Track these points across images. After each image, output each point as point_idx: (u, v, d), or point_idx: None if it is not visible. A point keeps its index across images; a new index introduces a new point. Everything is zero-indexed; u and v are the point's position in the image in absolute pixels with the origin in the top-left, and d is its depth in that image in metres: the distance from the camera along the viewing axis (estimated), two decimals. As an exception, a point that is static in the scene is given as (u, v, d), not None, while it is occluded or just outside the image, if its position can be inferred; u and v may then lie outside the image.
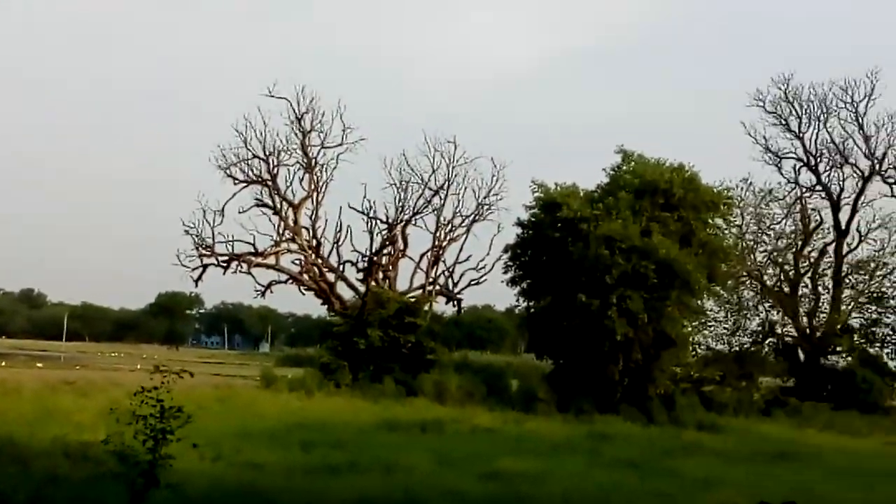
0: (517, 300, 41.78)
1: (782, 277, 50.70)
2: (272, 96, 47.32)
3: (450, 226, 49.57)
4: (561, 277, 37.06)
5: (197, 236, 47.09)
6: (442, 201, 49.37)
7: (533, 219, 39.98)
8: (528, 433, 28.01)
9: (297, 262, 47.79)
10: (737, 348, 49.04)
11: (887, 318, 49.79)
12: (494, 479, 17.48)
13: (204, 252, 47.19)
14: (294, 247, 47.76)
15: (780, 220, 50.99)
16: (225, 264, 47.32)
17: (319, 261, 48.06)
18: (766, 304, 50.50)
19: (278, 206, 47.79)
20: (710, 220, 39.84)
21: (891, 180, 49.43)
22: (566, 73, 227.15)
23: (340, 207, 48.59)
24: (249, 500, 13.99)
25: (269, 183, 47.67)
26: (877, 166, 49.58)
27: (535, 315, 40.14)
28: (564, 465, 20.37)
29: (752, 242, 50.46)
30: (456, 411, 32.47)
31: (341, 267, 48.26)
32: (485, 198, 49.48)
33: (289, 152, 48.07)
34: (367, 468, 17.83)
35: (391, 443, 22.71)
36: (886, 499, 18.14)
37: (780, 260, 50.74)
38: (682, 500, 16.45)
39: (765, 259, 50.93)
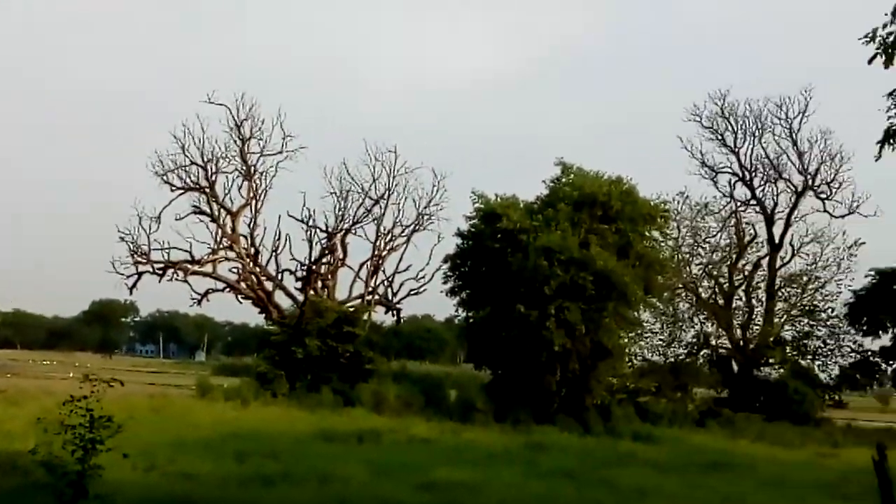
0: (456, 310, 41.98)
1: (717, 290, 51.48)
2: (211, 103, 47.01)
3: (390, 235, 49.69)
4: (500, 288, 37.18)
5: (132, 243, 46.49)
6: (382, 211, 49.48)
7: (473, 229, 40.08)
8: (466, 443, 28.00)
9: (235, 270, 47.40)
10: (672, 359, 49.74)
11: (819, 330, 50.83)
12: (430, 489, 17.43)
13: (139, 259, 46.58)
14: (232, 255, 47.34)
15: (715, 233, 51.88)
16: (161, 272, 46.71)
17: (257, 269, 47.68)
18: (701, 316, 51.31)
19: (216, 213, 47.36)
20: (647, 233, 40.23)
21: (823, 196, 50.56)
22: (508, 87, 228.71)
23: (279, 216, 48.40)
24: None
25: (207, 190, 47.22)
26: (809, 182, 50.66)
27: (474, 325, 40.17)
28: (501, 475, 20.35)
29: (687, 255, 51.19)
30: (393, 421, 32.34)
31: (280, 275, 47.99)
32: (425, 208, 49.71)
33: (227, 159, 47.84)
34: (302, 479, 17.65)
35: (327, 453, 22.53)
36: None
37: (715, 273, 51.52)
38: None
39: (700, 272, 51.72)
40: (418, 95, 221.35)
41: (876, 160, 12.71)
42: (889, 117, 12.27)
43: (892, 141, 12.15)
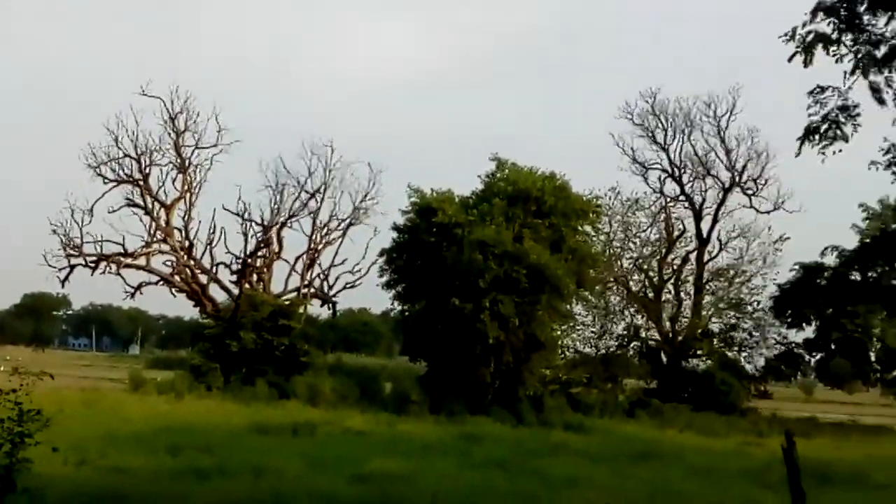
0: (392, 303, 42.14)
1: (647, 283, 52.22)
2: (145, 95, 46.43)
3: (326, 229, 49.65)
4: (435, 281, 37.44)
5: (64, 236, 45.81)
6: (318, 204, 49.44)
7: (408, 223, 40.29)
8: (400, 435, 28.17)
9: (169, 263, 46.96)
10: (603, 351, 50.41)
11: (745, 323, 51.85)
12: (365, 481, 17.57)
13: (71, 252, 45.94)
14: (166, 248, 46.91)
15: (645, 228, 52.63)
16: (93, 265, 46.10)
17: (192, 262, 47.27)
18: (632, 309, 52.01)
19: (150, 206, 46.85)
20: (579, 228, 40.81)
21: (749, 192, 51.57)
22: (444, 83, 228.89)
23: (214, 209, 48.09)
24: (112, 505, 13.74)
25: (141, 183, 46.66)
26: (737, 178, 51.70)
27: (409, 318, 40.42)
28: (435, 466, 20.56)
29: (619, 249, 51.87)
30: (329, 414, 32.41)
31: (214, 269, 47.69)
32: (361, 202, 49.78)
33: (162, 152, 47.30)
34: (236, 472, 17.67)
35: (261, 446, 22.51)
36: (742, 497, 18.90)
37: (646, 266, 52.26)
38: (547, 500, 16.86)
39: (631, 265, 52.38)
40: (355, 90, 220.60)
41: (796, 156, 13.21)
42: (809, 115, 12.75)
43: (811, 138, 12.63)
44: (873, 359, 47.84)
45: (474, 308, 35.65)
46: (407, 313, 40.84)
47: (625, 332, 51.69)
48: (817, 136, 12.71)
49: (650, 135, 52.84)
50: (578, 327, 48.70)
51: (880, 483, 22.35)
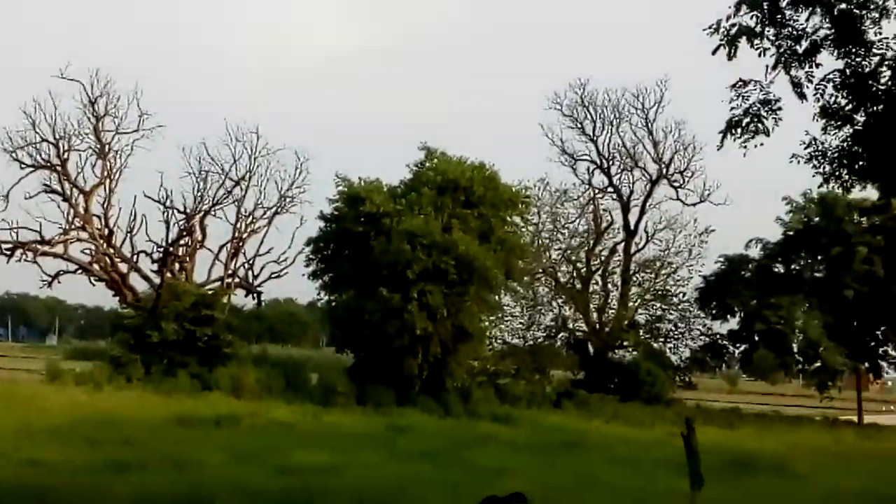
0: (319, 294, 41.74)
1: (575, 275, 52.49)
2: (64, 78, 45.09)
3: (251, 217, 48.76)
4: (363, 272, 37.16)
5: (-23, 222, 44.28)
6: (243, 192, 48.50)
7: (336, 213, 39.91)
8: (326, 426, 27.98)
9: (88, 251, 45.63)
10: (531, 342, 50.62)
11: (671, 314, 52.49)
12: (288, 473, 17.35)
13: (-15, 239, 44.43)
14: (84, 235, 45.60)
15: (574, 219, 52.73)
16: (9, 252, 44.64)
17: (111, 250, 46.09)
18: (560, 300, 52.25)
19: (68, 192, 45.47)
20: (508, 218, 40.85)
21: (676, 184, 52.07)
22: (373, 72, 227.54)
23: (135, 196, 46.76)
24: (28, 499, 13.30)
25: (59, 168, 45.30)
26: (664, 171, 52.11)
27: (336, 309, 40.08)
28: (361, 457, 20.45)
29: (547, 240, 51.99)
30: (253, 405, 31.98)
31: (135, 257, 46.50)
32: (287, 190, 48.96)
33: (81, 137, 45.87)
34: (157, 465, 17.31)
35: (183, 438, 22.13)
36: (664, 486, 19.07)
37: (574, 258, 52.50)
38: (473, 489, 16.78)
39: (559, 256, 52.59)
40: (281, 77, 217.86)
41: (718, 149, 13.25)
42: (731, 108, 12.78)
43: (733, 131, 12.67)
44: (795, 350, 48.66)
45: (402, 299, 35.47)
46: (334, 304, 40.49)
47: (553, 324, 51.93)
48: (739, 130, 12.75)
49: (579, 126, 53.03)
50: (506, 318, 48.85)
51: (800, 473, 22.81)
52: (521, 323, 50.92)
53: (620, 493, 17.49)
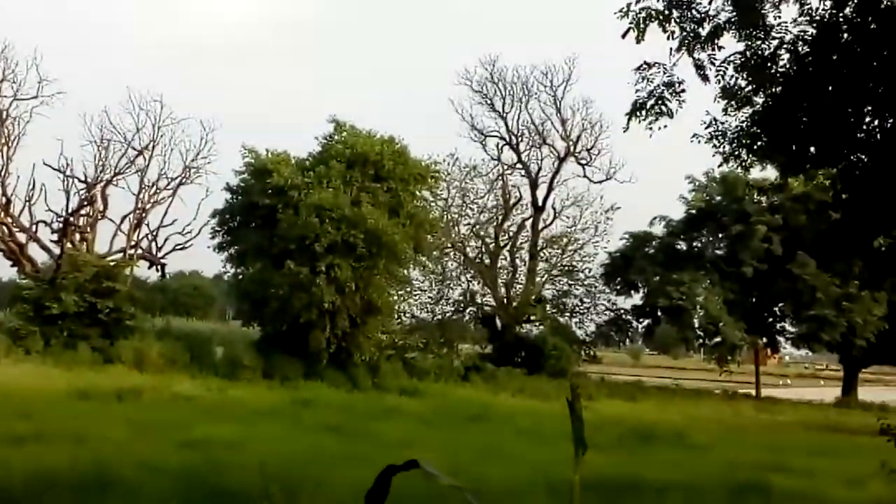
0: (225, 266, 41.18)
1: (483, 250, 52.95)
2: (-43, 43, 43.40)
3: (154, 188, 47.69)
4: (270, 245, 36.80)
5: None
6: (146, 162, 47.40)
7: (242, 185, 39.39)
8: (231, 400, 27.65)
9: (-16, 221, 44.22)
10: (440, 317, 50.97)
11: (577, 290, 53.50)
12: (191, 447, 17.08)
13: None
14: (-20, 204, 44.17)
15: (483, 195, 53.17)
16: None
17: (9, 220, 44.64)
18: (468, 275, 52.71)
19: (-37, 160, 43.95)
20: (417, 193, 40.78)
21: (583, 162, 52.86)
22: (282, 42, 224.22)
23: (34, 164, 45.34)
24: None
25: (-47, 135, 43.75)
26: (571, 148, 52.78)
27: (243, 282, 39.60)
28: (265, 431, 20.28)
29: (456, 215, 52.32)
30: (156, 379, 31.39)
31: (34, 227, 45.12)
32: (192, 161, 47.98)
33: (-25, 104, 44.28)
34: (56, 438, 16.86)
35: (84, 412, 21.59)
36: (567, 456, 19.35)
37: (482, 233, 52.95)
38: (378, 461, 16.78)
39: (468, 232, 52.96)
40: (187, 45, 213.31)
41: (624, 131, 13.47)
42: (636, 90, 13.00)
43: (638, 113, 12.89)
44: (696, 325, 49.95)
45: (310, 272, 35.22)
46: (240, 277, 40.01)
47: (461, 298, 52.35)
48: (644, 112, 12.98)
49: (489, 102, 53.40)
50: (415, 293, 48.97)
51: (698, 443, 23.46)
52: (429, 297, 51.29)
53: (522, 462, 17.72)
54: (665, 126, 13.09)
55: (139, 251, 47.22)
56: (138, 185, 47.17)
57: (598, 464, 18.48)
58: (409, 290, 45.64)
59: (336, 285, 35.54)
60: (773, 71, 13.07)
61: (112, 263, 44.21)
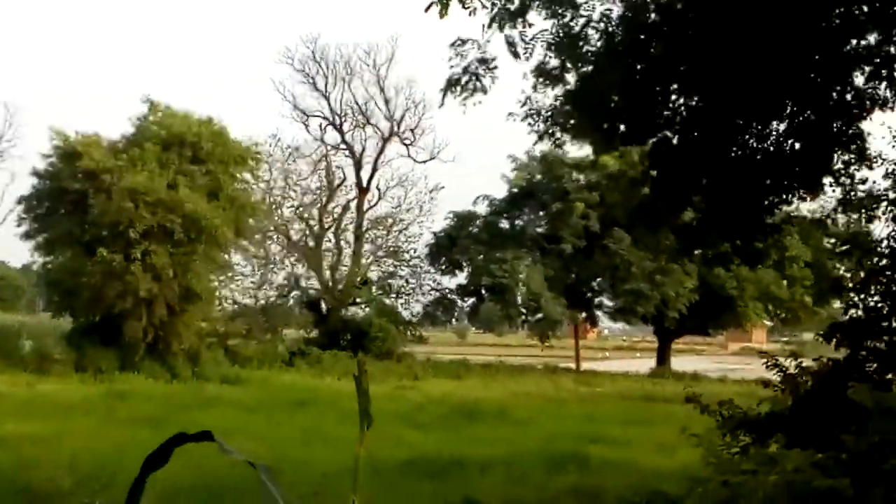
0: (33, 256, 39.15)
1: (308, 232, 52.36)
2: None
3: (-49, 173, 44.92)
4: (81, 232, 35.19)
5: None
6: (-56, 148, 44.53)
7: (51, 169, 37.46)
8: (41, 396, 26.29)
9: None
10: (263, 302, 50.09)
11: (402, 270, 53.66)
12: (-1, 445, 16.17)
13: None
14: None
15: (306, 176, 52.51)
16: None
17: None
18: (292, 259, 52.03)
19: None
20: (238, 175, 39.92)
21: (407, 142, 52.95)
22: (89, 19, 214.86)
23: None
24: None
25: None
26: (395, 128, 52.78)
27: (52, 271, 37.77)
28: (77, 426, 19.40)
29: (279, 198, 51.49)
30: (-44, 376, 29.59)
31: None
32: (-6, 144, 45.37)
33: None
34: None
35: None
36: (392, 437, 19.36)
37: (306, 215, 52.34)
38: (195, 452, 16.24)
39: (291, 214, 52.31)
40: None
41: (440, 107, 13.42)
42: (451, 67, 12.94)
43: (453, 89, 12.85)
44: (519, 302, 50.96)
45: (124, 259, 33.86)
46: (49, 266, 38.12)
47: (285, 282, 51.67)
48: (458, 88, 12.95)
49: (311, 81, 52.66)
50: (237, 278, 47.86)
51: (520, 418, 23.94)
52: (252, 282, 50.23)
53: (346, 444, 17.55)
54: (480, 102, 13.10)
55: (-63, 241, 44.35)
56: (-65, 170, 44.25)
57: (422, 443, 18.69)
58: (230, 275, 44.64)
59: (152, 272, 34.29)
60: (583, 50, 13.25)
61: None
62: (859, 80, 13.13)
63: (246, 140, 40.63)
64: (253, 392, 29.33)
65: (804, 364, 11.28)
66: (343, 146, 53.26)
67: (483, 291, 51.71)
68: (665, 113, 13.96)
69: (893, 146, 13.64)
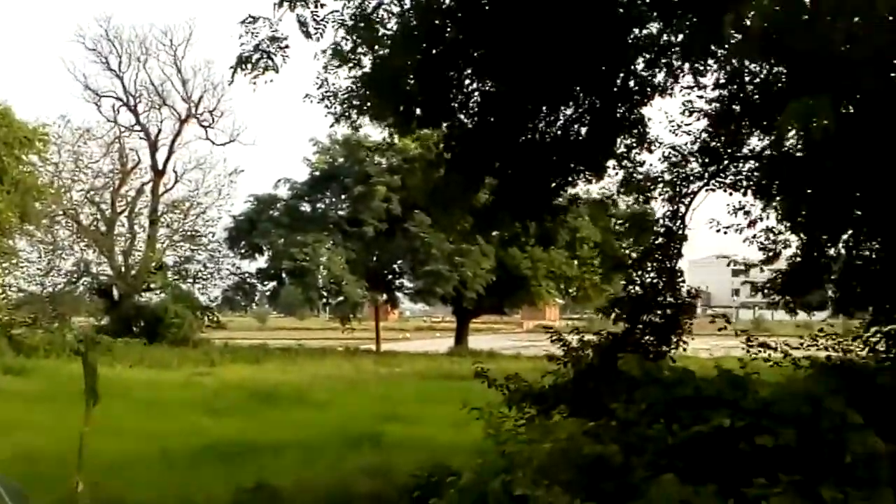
0: None
1: (99, 217, 50.57)
2: None
3: None
4: None
5: None
6: None
7: None
8: None
9: None
10: (50, 289, 47.90)
11: (199, 255, 52.53)
12: None
13: None
14: None
15: (98, 158, 50.67)
16: None
17: None
18: (82, 244, 50.05)
19: None
20: (24, 157, 38.57)
21: (206, 124, 51.89)
22: None
23: None
24: None
25: None
26: (193, 109, 51.63)
27: None
28: None
29: (69, 181, 49.43)
30: None
31: None
32: None
33: None
34: None
35: None
36: (187, 425, 19.01)
37: (98, 199, 50.54)
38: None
39: (82, 198, 50.33)
40: None
41: (230, 84, 13.23)
42: (242, 44, 12.73)
43: (244, 66, 12.64)
44: (320, 285, 50.82)
45: None
46: None
47: (74, 269, 49.62)
48: (249, 66, 12.76)
49: (104, 61, 50.75)
50: (22, 264, 45.64)
51: (318, 401, 23.96)
52: (38, 269, 48.07)
53: (137, 434, 17.14)
54: (272, 81, 12.93)
55: None
56: None
57: (217, 429, 18.40)
58: (14, 262, 42.63)
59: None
60: (378, 33, 13.30)
61: None
62: (641, 67, 13.83)
63: (33, 121, 39.05)
64: (39, 383, 27.95)
65: (586, 338, 11.85)
66: (137, 127, 51.71)
67: (284, 275, 51.28)
68: (459, 97, 14.22)
69: (670, 130, 14.53)
